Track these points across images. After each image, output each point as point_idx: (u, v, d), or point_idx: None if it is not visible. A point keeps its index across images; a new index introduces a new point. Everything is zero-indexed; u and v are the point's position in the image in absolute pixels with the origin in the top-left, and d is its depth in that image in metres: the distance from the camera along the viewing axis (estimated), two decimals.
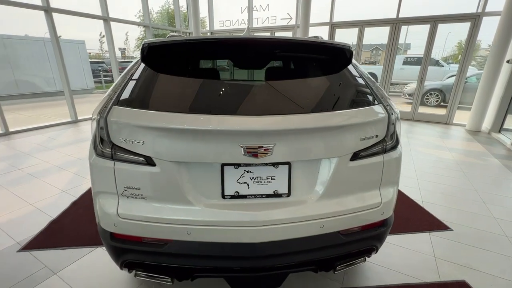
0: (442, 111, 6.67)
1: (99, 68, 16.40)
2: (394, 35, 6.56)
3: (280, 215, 1.14)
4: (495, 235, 2.26)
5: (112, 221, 1.17)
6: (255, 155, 1.07)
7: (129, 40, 24.33)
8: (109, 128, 1.11)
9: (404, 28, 6.48)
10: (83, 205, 2.59)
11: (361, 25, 6.90)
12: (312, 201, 1.19)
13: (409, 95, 8.28)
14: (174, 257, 1.17)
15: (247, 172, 1.15)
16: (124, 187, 1.14)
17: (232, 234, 1.13)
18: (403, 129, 5.91)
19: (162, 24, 17.56)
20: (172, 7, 11.91)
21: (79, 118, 6.18)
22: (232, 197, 1.17)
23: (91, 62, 15.10)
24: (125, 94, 1.19)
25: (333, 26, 7.28)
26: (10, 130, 5.05)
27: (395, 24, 6.49)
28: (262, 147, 1.06)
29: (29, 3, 5.28)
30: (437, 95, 8.59)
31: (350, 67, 1.39)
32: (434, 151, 4.43)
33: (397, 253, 2.02)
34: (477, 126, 5.80)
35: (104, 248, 2.00)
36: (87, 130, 5.44)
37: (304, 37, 1.70)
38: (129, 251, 1.20)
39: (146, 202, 1.15)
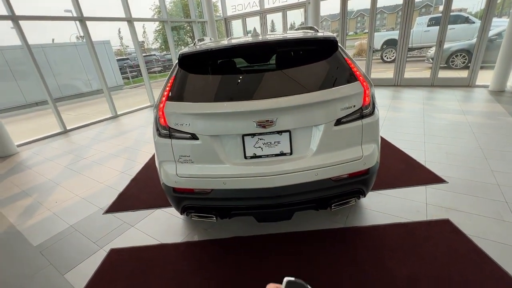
0: (464, 74, 6.49)
1: (124, 64, 17.49)
2: None
3: (285, 168, 1.64)
4: (487, 184, 2.55)
5: (173, 179, 1.75)
6: (264, 126, 1.55)
7: (147, 33, 25.26)
8: (165, 117, 1.66)
9: None
10: (139, 181, 3.32)
11: None
12: (308, 157, 1.66)
13: (432, 59, 8.03)
14: (216, 200, 1.73)
15: (260, 139, 1.64)
16: (179, 156, 1.71)
17: (253, 182, 1.65)
18: (419, 97, 5.94)
19: (177, 13, 18.16)
20: None
21: (118, 113, 7.04)
22: (251, 157, 1.67)
23: (117, 60, 16.15)
24: (172, 91, 1.72)
25: None
26: (67, 128, 6.03)
27: None
28: (268, 120, 1.54)
29: (66, 16, 6.02)
30: (464, 56, 8.18)
31: (337, 52, 1.77)
32: (448, 115, 4.54)
33: (393, 202, 2.43)
34: (501, 86, 5.65)
35: (161, 209, 2.68)
36: (127, 123, 6.27)
37: (298, 33, 2.08)
38: (186, 198, 1.79)
39: (194, 164, 1.71)
